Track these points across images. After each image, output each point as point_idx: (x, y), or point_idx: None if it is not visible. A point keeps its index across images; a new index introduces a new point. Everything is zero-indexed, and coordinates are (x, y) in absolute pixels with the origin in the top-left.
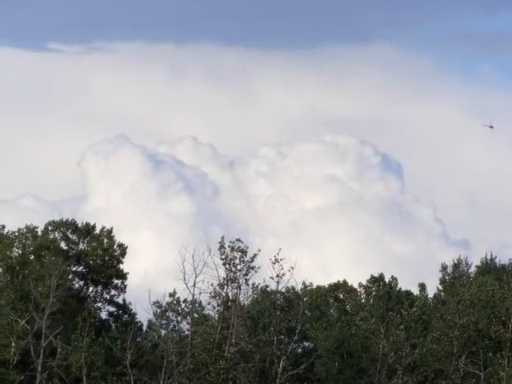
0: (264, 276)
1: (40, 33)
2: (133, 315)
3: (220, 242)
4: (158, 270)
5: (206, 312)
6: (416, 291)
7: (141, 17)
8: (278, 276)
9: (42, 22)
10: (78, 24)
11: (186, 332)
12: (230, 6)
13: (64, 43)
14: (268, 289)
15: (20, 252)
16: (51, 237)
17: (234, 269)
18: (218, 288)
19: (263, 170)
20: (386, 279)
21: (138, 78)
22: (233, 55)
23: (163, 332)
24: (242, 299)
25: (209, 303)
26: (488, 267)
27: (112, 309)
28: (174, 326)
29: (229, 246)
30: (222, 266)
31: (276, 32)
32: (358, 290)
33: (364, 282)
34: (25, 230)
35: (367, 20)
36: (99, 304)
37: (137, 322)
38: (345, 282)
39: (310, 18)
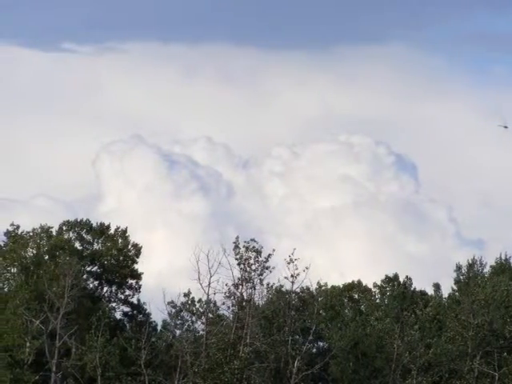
0: (279, 276)
1: (53, 33)
2: (147, 315)
3: (234, 242)
4: (173, 269)
5: (221, 312)
6: (430, 291)
7: (153, 17)
8: (292, 276)
9: (54, 22)
10: (91, 24)
11: (201, 332)
12: (242, 6)
13: (77, 43)
14: (283, 289)
15: (34, 252)
16: (66, 237)
17: (248, 269)
18: (232, 288)
19: (277, 169)
20: (401, 279)
21: (151, 77)
22: (245, 55)
23: (178, 332)
24: (256, 299)
25: (223, 303)
26: (503, 267)
27: (126, 309)
28: (189, 325)
29: (243, 246)
30: (237, 266)
31: (289, 32)
32: (373, 290)
33: (379, 282)
34: (39, 230)
35: (381, 20)
36: (114, 304)
37: (151, 322)
38: (359, 282)
39: (323, 18)
